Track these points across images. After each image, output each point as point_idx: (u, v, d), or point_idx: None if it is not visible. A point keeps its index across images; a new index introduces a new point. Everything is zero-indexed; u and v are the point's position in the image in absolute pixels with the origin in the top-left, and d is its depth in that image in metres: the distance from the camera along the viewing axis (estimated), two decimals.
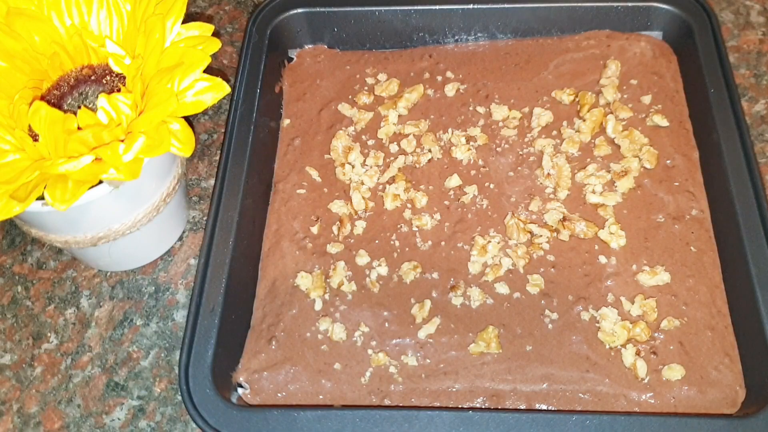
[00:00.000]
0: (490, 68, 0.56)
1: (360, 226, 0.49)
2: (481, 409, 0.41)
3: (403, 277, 0.46)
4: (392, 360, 0.43)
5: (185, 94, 0.42)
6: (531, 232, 0.47)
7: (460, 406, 0.42)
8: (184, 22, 0.44)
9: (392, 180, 0.51)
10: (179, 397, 0.46)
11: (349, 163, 0.51)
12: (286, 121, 0.55)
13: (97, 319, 0.49)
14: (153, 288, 0.50)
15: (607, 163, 0.50)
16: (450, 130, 0.52)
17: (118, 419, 0.45)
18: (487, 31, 0.57)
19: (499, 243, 0.47)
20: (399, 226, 0.49)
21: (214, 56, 0.43)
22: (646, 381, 0.42)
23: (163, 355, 0.47)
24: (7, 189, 0.38)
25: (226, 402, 0.40)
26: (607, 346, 0.43)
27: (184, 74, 0.42)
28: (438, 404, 0.42)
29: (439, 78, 0.56)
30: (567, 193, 0.49)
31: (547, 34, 0.56)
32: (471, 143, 0.52)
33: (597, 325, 0.44)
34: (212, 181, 0.54)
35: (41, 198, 0.39)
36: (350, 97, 0.55)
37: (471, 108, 0.54)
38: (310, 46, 0.58)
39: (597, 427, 0.38)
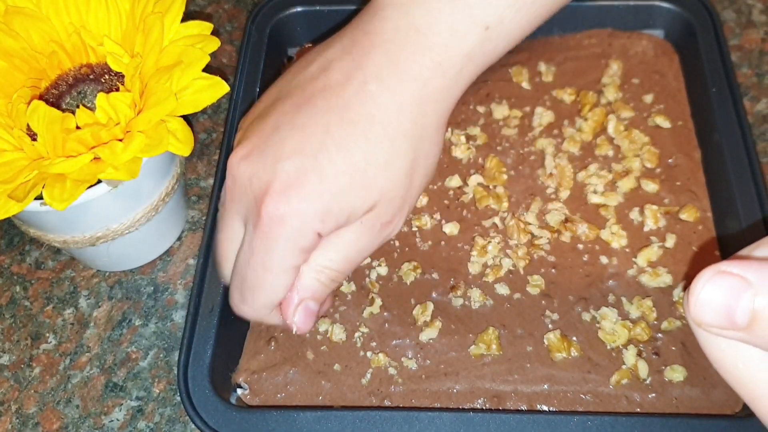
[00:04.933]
0: (490, 67, 0.55)
1: None
2: (481, 410, 0.41)
3: (403, 277, 0.46)
4: (392, 361, 0.43)
5: (184, 93, 0.42)
6: (531, 233, 0.47)
7: (460, 408, 0.41)
8: (183, 20, 0.44)
9: None
10: (178, 398, 0.45)
11: None
12: None
13: (96, 320, 0.49)
14: (152, 288, 0.50)
15: (608, 162, 0.50)
16: (450, 129, 0.52)
17: (117, 420, 0.45)
18: None
19: (499, 243, 0.47)
20: None
21: (213, 55, 0.43)
22: (647, 382, 0.41)
23: (161, 355, 0.47)
24: (5, 188, 0.38)
25: (226, 403, 0.40)
26: (609, 347, 0.43)
27: (183, 73, 0.42)
28: (438, 405, 0.42)
29: None
30: (568, 193, 0.49)
31: (548, 33, 0.56)
32: (471, 142, 0.51)
33: (597, 325, 0.43)
34: (211, 181, 0.54)
35: (39, 197, 0.39)
36: None
37: (471, 107, 0.53)
38: (310, 44, 0.58)
39: (598, 427, 0.38)
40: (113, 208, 0.44)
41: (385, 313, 0.45)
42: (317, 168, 0.35)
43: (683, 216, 0.47)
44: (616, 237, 0.46)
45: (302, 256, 0.36)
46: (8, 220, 0.51)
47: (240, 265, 0.38)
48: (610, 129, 0.51)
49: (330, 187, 0.35)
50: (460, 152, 0.51)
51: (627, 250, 0.46)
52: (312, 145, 0.35)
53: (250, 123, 0.39)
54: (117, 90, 0.44)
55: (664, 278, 0.44)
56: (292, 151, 0.35)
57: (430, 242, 0.47)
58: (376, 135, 0.36)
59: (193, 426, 0.43)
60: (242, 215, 0.38)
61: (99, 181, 0.41)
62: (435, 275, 0.46)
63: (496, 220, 0.48)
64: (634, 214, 0.47)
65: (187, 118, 0.46)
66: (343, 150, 0.35)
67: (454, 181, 0.49)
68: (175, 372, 0.46)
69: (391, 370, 0.43)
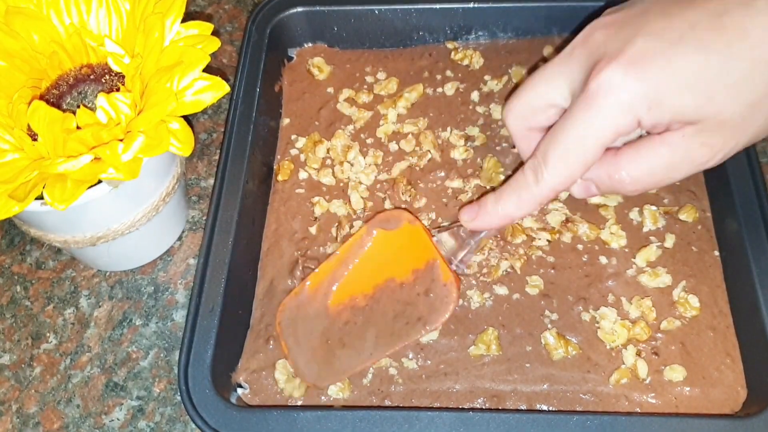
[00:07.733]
0: (490, 67, 0.56)
1: (358, 226, 0.49)
2: (481, 409, 0.41)
3: None
4: (393, 361, 0.43)
5: (184, 93, 0.42)
6: (529, 234, 0.47)
7: (460, 407, 0.41)
8: (184, 20, 0.44)
9: (391, 179, 0.50)
10: (178, 398, 0.45)
11: (348, 162, 0.51)
12: (285, 120, 0.55)
13: (96, 319, 0.49)
14: (152, 288, 0.50)
15: None
16: (449, 129, 0.52)
17: (118, 419, 0.45)
18: (487, 30, 0.57)
19: (497, 244, 0.47)
20: None
21: (213, 55, 0.43)
22: (647, 381, 0.41)
23: (162, 355, 0.47)
24: (6, 188, 0.38)
25: (226, 402, 0.40)
26: (608, 347, 0.43)
27: (184, 73, 0.42)
28: (438, 405, 0.42)
29: (439, 77, 0.55)
30: (567, 194, 0.49)
31: (548, 33, 0.56)
32: (470, 143, 0.51)
33: (597, 325, 0.43)
34: (211, 181, 0.54)
35: (40, 197, 0.39)
36: (350, 95, 0.55)
37: (470, 107, 0.53)
38: (310, 44, 0.58)
39: (598, 427, 0.38)
40: (114, 208, 0.44)
41: None
42: (668, 55, 0.33)
43: (682, 216, 0.47)
44: (615, 237, 0.46)
45: (612, 138, 0.35)
46: (9, 220, 0.51)
47: (549, 133, 0.37)
48: None
49: (672, 79, 0.33)
50: (459, 154, 0.51)
51: (626, 250, 0.46)
52: (672, 34, 0.34)
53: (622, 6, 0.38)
54: (117, 90, 0.44)
55: (664, 278, 0.45)
56: (651, 32, 0.34)
57: None
58: (739, 51, 0.33)
59: (193, 425, 0.43)
60: (570, 78, 0.37)
61: (100, 181, 0.41)
62: None
63: None
64: (634, 214, 0.47)
65: (188, 119, 0.46)
66: (700, 50, 0.33)
67: (453, 182, 0.50)
68: (176, 371, 0.46)
69: (392, 370, 0.43)
